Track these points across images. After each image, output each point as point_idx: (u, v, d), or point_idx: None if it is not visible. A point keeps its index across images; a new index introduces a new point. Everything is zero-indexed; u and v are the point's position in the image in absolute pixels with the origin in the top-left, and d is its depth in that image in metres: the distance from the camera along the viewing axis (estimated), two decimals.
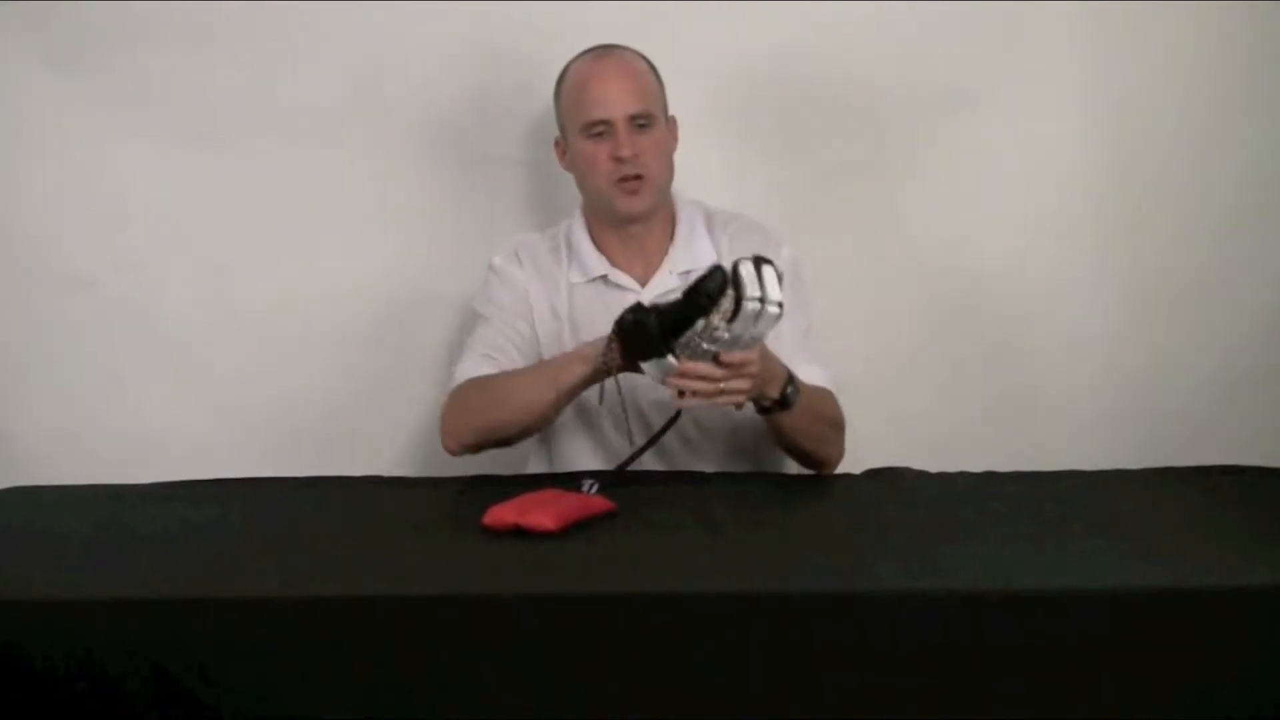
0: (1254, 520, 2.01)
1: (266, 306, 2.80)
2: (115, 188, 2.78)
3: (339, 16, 2.74)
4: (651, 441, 2.29)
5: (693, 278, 2.20)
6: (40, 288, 2.78)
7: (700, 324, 2.06)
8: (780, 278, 2.06)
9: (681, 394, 2.13)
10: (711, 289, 2.05)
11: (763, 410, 2.26)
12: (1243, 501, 2.13)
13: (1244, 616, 1.67)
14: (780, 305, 2.05)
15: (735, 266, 2.05)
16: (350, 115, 2.77)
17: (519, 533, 1.92)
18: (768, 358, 2.18)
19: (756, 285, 2.04)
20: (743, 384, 2.13)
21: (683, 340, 2.09)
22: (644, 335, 2.12)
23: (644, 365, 2.14)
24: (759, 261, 2.05)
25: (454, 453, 2.38)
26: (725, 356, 2.09)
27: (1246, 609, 1.67)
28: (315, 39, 2.75)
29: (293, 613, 1.71)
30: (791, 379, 2.23)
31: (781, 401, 2.23)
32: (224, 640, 1.69)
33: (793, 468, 2.45)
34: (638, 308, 2.17)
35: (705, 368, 2.10)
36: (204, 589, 1.76)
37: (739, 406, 2.21)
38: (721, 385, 2.11)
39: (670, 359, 2.11)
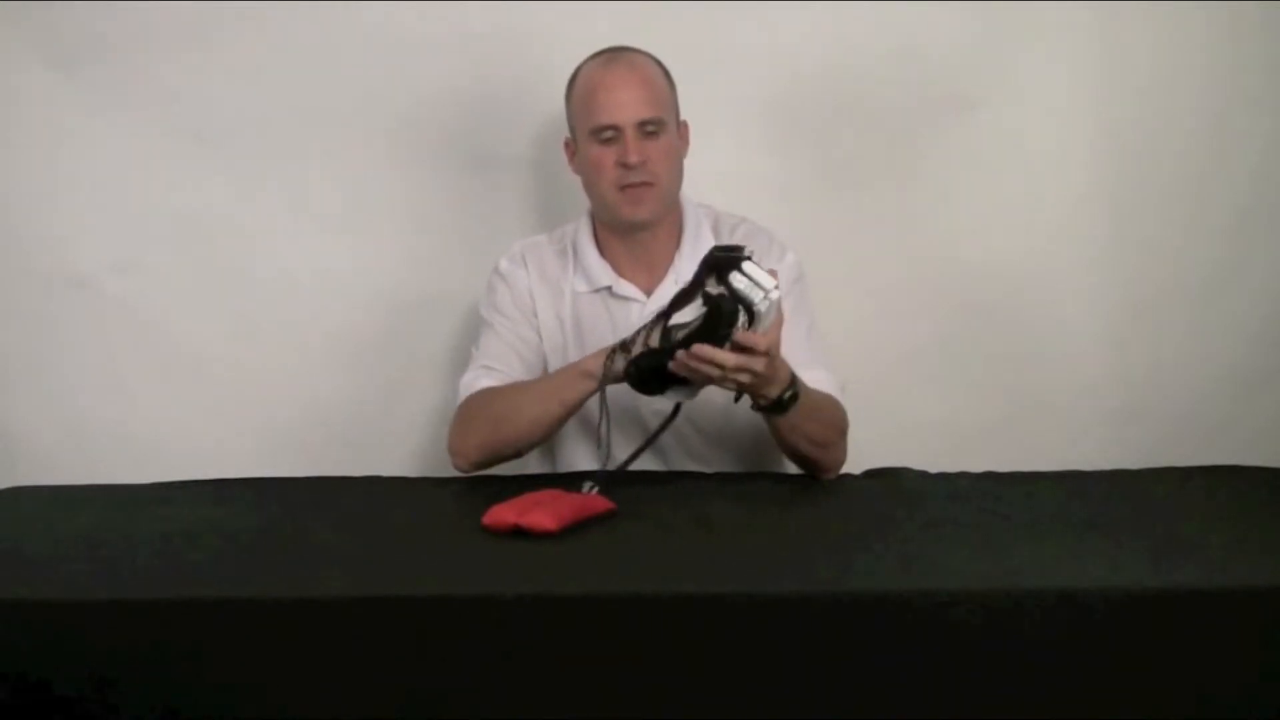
0: (1256, 520, 2.01)
1: (268, 307, 2.80)
2: (115, 188, 2.77)
3: (342, 17, 2.74)
4: (651, 440, 2.28)
5: None
6: (40, 288, 2.78)
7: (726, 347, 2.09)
8: (745, 257, 2.07)
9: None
10: (730, 316, 2.06)
11: (758, 409, 2.25)
12: (1245, 502, 2.13)
13: (1245, 616, 1.67)
14: (776, 286, 2.07)
15: (729, 284, 2.06)
16: (352, 116, 2.77)
17: (519, 533, 1.92)
18: (775, 358, 2.15)
19: (754, 286, 2.06)
20: (745, 377, 2.12)
21: None
22: (660, 376, 2.14)
23: (666, 395, 2.18)
24: (732, 261, 2.07)
25: (465, 471, 2.36)
26: (741, 337, 2.08)
27: (1247, 609, 1.67)
28: (318, 40, 2.75)
29: (293, 613, 1.71)
30: (793, 385, 2.22)
31: (778, 404, 2.22)
32: (224, 640, 1.69)
33: (792, 469, 2.45)
34: (637, 356, 2.17)
35: (721, 354, 2.08)
36: (204, 589, 1.76)
37: (737, 399, 2.21)
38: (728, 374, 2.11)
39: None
